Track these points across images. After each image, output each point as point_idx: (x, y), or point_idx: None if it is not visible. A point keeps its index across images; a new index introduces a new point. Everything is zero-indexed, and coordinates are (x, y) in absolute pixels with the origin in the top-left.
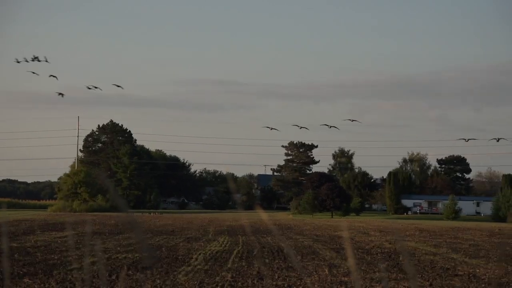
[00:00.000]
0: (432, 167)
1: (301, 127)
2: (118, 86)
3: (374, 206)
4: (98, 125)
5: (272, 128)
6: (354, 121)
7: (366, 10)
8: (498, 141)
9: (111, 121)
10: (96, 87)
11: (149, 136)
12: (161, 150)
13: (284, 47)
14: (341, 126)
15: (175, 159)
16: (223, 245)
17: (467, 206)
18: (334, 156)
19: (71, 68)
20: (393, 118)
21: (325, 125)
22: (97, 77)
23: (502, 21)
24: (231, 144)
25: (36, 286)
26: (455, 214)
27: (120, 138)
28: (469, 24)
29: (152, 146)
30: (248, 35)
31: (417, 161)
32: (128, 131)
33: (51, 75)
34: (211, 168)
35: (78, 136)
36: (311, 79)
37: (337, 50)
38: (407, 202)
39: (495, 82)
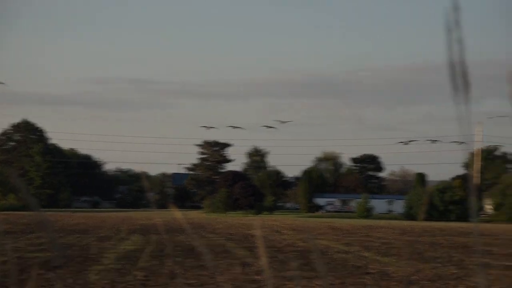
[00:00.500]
0: (345, 166)
1: (209, 127)
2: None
3: (288, 205)
4: (11, 124)
5: (209, 127)
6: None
7: (279, 8)
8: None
9: (24, 119)
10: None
11: (63, 134)
12: (74, 149)
13: (198, 46)
14: (255, 125)
15: (87, 158)
16: (135, 244)
17: (379, 205)
18: (248, 155)
19: None
20: (307, 117)
21: (231, 126)
22: (10, 75)
23: (416, 21)
24: (145, 142)
25: None
26: (368, 213)
27: (33, 136)
28: (383, 24)
29: (65, 145)
30: (163, 34)
31: (331, 159)
32: (41, 129)
33: None
34: (124, 166)
35: None
36: (225, 78)
37: (251, 49)
38: (320, 201)
39: (408, 82)
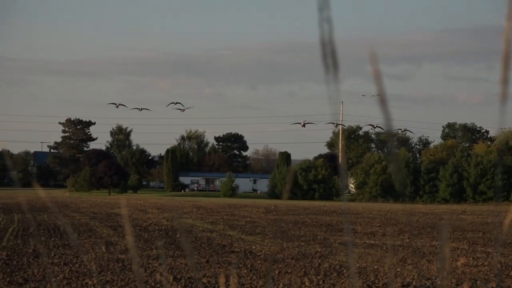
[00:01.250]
0: (209, 145)
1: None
2: None
3: (152, 184)
4: None
5: (119, 105)
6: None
7: None
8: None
9: None
10: None
11: None
12: None
13: (60, 23)
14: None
15: None
16: None
17: (244, 183)
18: (112, 133)
19: None
20: (170, 96)
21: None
22: None
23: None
24: (6, 120)
25: None
26: (232, 191)
27: None
28: (243, 6)
29: None
30: (22, 8)
31: (195, 138)
32: None
33: None
34: None
35: None
36: (85, 56)
37: (112, 27)
38: (185, 179)
39: (269, 61)
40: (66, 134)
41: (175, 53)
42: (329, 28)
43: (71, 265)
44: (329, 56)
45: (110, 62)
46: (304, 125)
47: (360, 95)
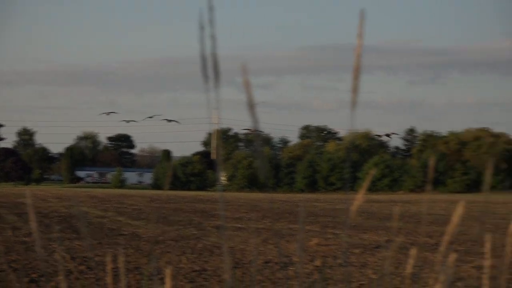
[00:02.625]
0: (103, 144)
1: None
2: None
3: (53, 177)
4: None
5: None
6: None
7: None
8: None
9: None
10: None
11: None
12: None
13: None
14: (27, 108)
15: None
16: None
17: (131, 176)
18: (18, 134)
19: None
20: (69, 102)
21: None
22: None
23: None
24: None
25: None
26: (121, 183)
27: None
28: (126, 23)
29: None
30: None
31: (90, 138)
32: None
33: None
34: None
35: None
36: None
37: (18, 41)
38: (81, 173)
39: (154, 73)
40: None
41: (73, 65)
42: (213, 44)
43: None
44: (211, 68)
45: (17, 72)
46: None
47: (232, 102)
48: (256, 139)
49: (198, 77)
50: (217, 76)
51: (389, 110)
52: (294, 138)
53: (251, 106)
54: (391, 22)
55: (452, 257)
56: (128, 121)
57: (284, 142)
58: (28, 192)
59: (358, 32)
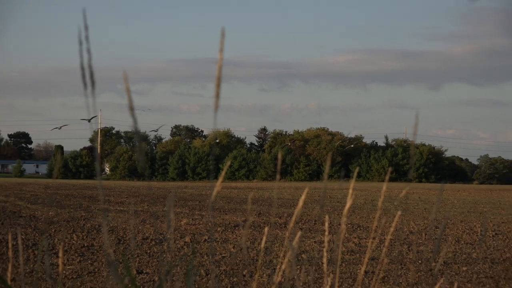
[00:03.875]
0: (4, 140)
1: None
2: None
3: None
4: None
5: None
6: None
7: None
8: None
9: None
10: None
11: None
12: None
13: None
14: None
15: None
16: None
17: (29, 167)
18: None
19: None
20: None
21: None
22: None
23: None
24: None
25: None
26: (21, 173)
27: None
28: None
29: None
30: None
31: None
32: None
33: None
34: None
35: None
36: None
37: None
38: None
39: (47, 81)
40: None
41: None
42: (89, 56)
43: None
44: (88, 77)
45: None
46: (60, 128)
47: (114, 105)
48: (136, 136)
49: (81, 84)
50: (94, 84)
51: (245, 113)
52: (167, 136)
53: (131, 108)
54: (245, 39)
55: (298, 233)
56: (59, 128)
57: (158, 139)
58: None
59: (219, 47)
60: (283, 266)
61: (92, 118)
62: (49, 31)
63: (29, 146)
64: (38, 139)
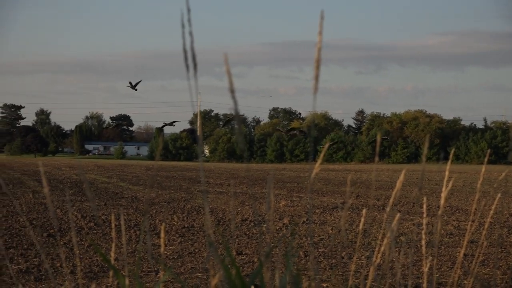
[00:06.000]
0: (106, 122)
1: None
2: None
3: (65, 150)
4: None
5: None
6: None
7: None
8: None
9: None
10: None
11: None
12: None
13: None
14: (41, 93)
15: None
16: None
17: (130, 149)
18: (36, 114)
19: None
20: (77, 88)
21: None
22: None
23: (147, 18)
24: None
25: None
26: (123, 155)
27: None
28: (123, 21)
29: None
30: None
31: (96, 117)
32: None
33: None
34: None
35: None
36: (14, 60)
37: (33, 39)
38: (89, 147)
39: (147, 64)
40: (3, 115)
41: (78, 58)
42: (191, 39)
43: (7, 207)
44: (190, 59)
45: (33, 64)
46: (173, 124)
47: (212, 88)
48: (235, 119)
49: (180, 67)
50: (196, 67)
51: (341, 95)
52: (264, 118)
53: (231, 90)
54: (341, 22)
55: (397, 216)
56: (173, 124)
57: (256, 121)
58: (44, 162)
59: (318, 30)
60: (382, 248)
61: (138, 83)
62: (149, 16)
63: (131, 128)
64: (139, 122)
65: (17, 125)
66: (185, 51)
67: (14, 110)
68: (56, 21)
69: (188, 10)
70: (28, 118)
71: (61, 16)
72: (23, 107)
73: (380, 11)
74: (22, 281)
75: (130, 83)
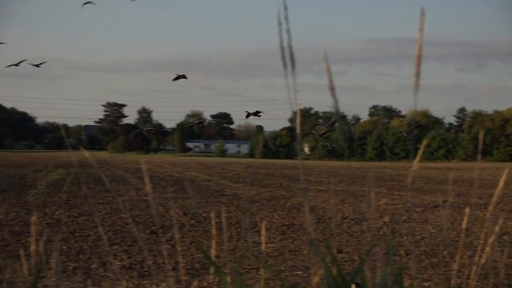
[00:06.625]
0: (207, 120)
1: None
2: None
3: (167, 147)
4: None
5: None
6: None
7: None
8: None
9: None
10: None
11: (5, 97)
12: (14, 107)
13: (98, 32)
14: (143, 92)
15: (24, 114)
16: (59, 175)
17: (231, 147)
18: (139, 112)
19: None
20: (178, 86)
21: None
22: None
23: (251, 17)
24: (66, 103)
25: None
26: (223, 153)
27: None
28: (225, 21)
29: (7, 104)
30: (67, 22)
31: (196, 115)
32: None
33: None
34: (51, 120)
35: None
36: (117, 58)
37: (134, 36)
38: (190, 144)
39: (246, 62)
40: (107, 113)
41: (180, 56)
42: (288, 37)
43: (110, 204)
44: (288, 57)
45: (135, 62)
46: (257, 114)
47: (311, 85)
48: (336, 116)
49: (280, 65)
50: (293, 64)
51: (442, 93)
52: (364, 116)
53: (331, 88)
54: (441, 19)
55: (500, 215)
56: (179, 78)
57: (356, 119)
58: (146, 160)
59: (419, 26)
60: (485, 248)
61: (182, 76)
62: (248, 15)
63: (231, 126)
64: (239, 120)
65: (120, 123)
66: (282, 49)
67: (117, 108)
68: (160, 20)
69: (285, 8)
70: (131, 116)
71: (165, 15)
72: (126, 105)
73: (482, 6)
74: (125, 277)
75: (178, 76)
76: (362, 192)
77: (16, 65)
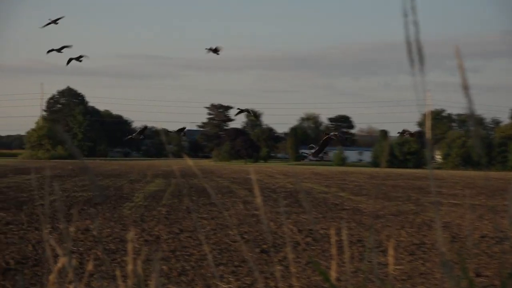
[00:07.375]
0: (324, 124)
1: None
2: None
3: (279, 155)
4: (58, 90)
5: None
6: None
7: None
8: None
9: (68, 87)
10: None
11: (99, 99)
12: (108, 110)
13: (201, 32)
14: (251, 92)
15: (119, 117)
16: (158, 186)
17: (351, 155)
18: (246, 115)
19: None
20: (291, 85)
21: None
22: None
23: (372, 8)
24: (165, 105)
25: (9, 218)
26: (342, 161)
27: (75, 100)
28: (344, 12)
29: (101, 107)
30: (170, 21)
31: (312, 119)
32: (81, 95)
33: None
34: (149, 124)
35: (42, 99)
36: (223, 54)
37: (242, 31)
38: (305, 152)
39: (368, 58)
40: (210, 116)
41: (294, 52)
42: (416, 30)
43: (216, 219)
44: (415, 52)
45: (243, 59)
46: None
47: (442, 84)
48: (471, 119)
49: (406, 61)
50: (422, 60)
51: None
52: (504, 119)
53: (465, 88)
54: None
55: None
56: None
57: (496, 122)
58: (255, 169)
59: None
60: None
61: (218, 50)
62: (369, 4)
63: (351, 131)
64: (360, 123)
65: (225, 127)
66: (408, 43)
67: (222, 111)
68: (266, 12)
69: None
70: (238, 120)
71: (271, 7)
72: (232, 108)
73: None
74: None
75: (211, 48)
76: (503, 206)
77: (58, 50)
